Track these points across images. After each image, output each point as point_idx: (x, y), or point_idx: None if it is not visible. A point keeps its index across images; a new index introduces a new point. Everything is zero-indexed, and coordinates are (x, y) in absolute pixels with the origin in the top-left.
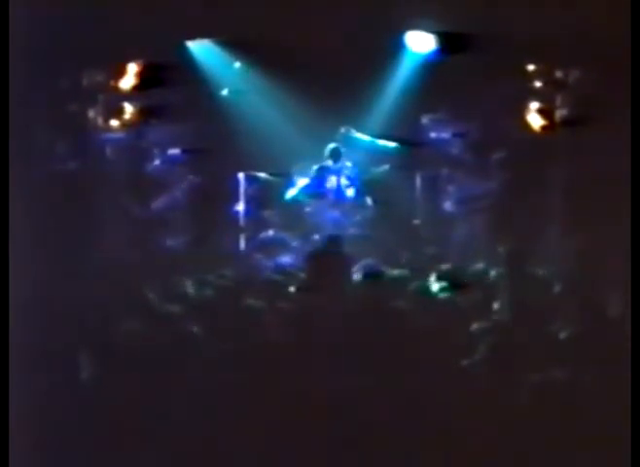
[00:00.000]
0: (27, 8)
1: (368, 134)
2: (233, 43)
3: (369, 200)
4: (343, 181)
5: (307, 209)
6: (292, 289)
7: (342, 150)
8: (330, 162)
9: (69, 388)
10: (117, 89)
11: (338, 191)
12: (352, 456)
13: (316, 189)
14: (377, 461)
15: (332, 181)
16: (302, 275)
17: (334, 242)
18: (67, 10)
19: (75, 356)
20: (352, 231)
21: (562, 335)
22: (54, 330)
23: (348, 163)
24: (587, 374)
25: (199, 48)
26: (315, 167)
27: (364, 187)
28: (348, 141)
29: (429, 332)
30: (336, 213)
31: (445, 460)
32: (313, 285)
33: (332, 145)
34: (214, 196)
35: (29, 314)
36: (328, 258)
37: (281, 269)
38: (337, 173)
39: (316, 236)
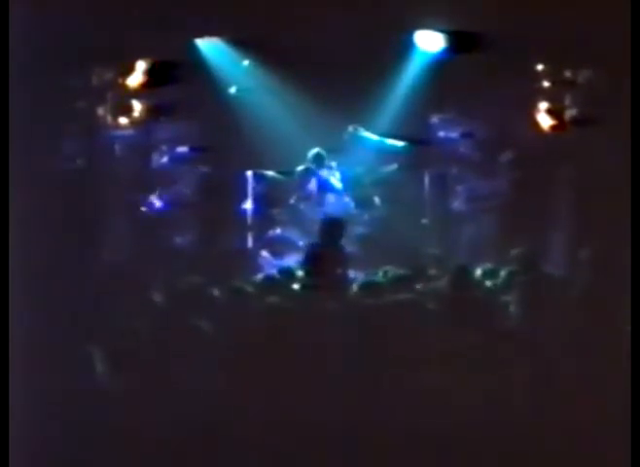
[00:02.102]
0: (36, 5)
1: (376, 133)
2: (243, 41)
3: (376, 199)
4: (332, 180)
5: (300, 208)
6: (296, 287)
7: (324, 154)
8: (314, 166)
9: (71, 389)
10: (125, 86)
11: (321, 191)
12: (352, 456)
13: (302, 190)
14: (376, 462)
15: (313, 182)
16: (306, 273)
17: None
18: (76, 7)
19: (78, 356)
20: (357, 229)
21: (568, 334)
22: (58, 330)
23: (333, 163)
24: (588, 375)
25: (208, 46)
26: (299, 169)
27: (349, 186)
28: (356, 140)
29: (433, 331)
30: (320, 212)
31: (446, 461)
32: (316, 283)
33: (314, 150)
34: (222, 193)
35: (31, 314)
36: (328, 256)
37: (288, 267)
38: (320, 174)
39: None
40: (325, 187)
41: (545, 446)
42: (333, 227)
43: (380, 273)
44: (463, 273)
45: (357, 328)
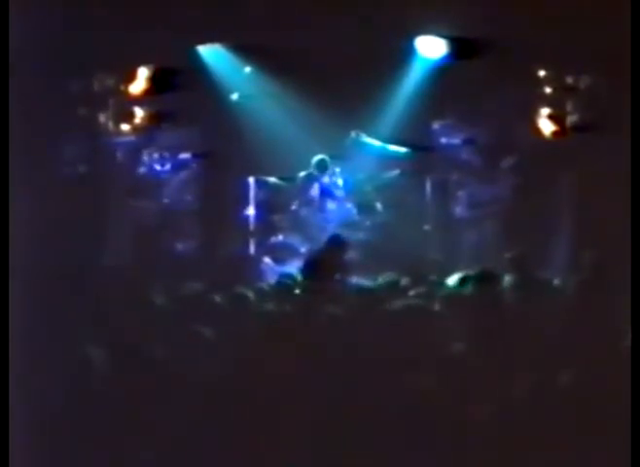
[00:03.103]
0: (39, 10)
1: (378, 139)
2: (244, 47)
3: (378, 205)
4: (334, 188)
5: (302, 215)
6: (298, 292)
7: (328, 161)
8: (317, 173)
9: (71, 391)
10: (127, 93)
11: (323, 197)
12: (352, 457)
13: (304, 196)
14: (377, 464)
15: (315, 188)
16: (308, 279)
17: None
18: (79, 13)
19: (78, 359)
20: (359, 235)
21: (568, 339)
22: (58, 334)
23: (337, 169)
24: (588, 378)
25: (210, 52)
26: (302, 175)
27: (352, 192)
28: (358, 146)
29: (432, 336)
30: (322, 218)
31: (445, 461)
32: (317, 289)
33: (318, 156)
34: (224, 200)
35: (31, 318)
36: (330, 262)
37: (290, 273)
38: (322, 180)
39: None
40: (327, 193)
41: (544, 447)
42: (336, 247)
43: (382, 279)
44: (473, 278)
45: (359, 334)
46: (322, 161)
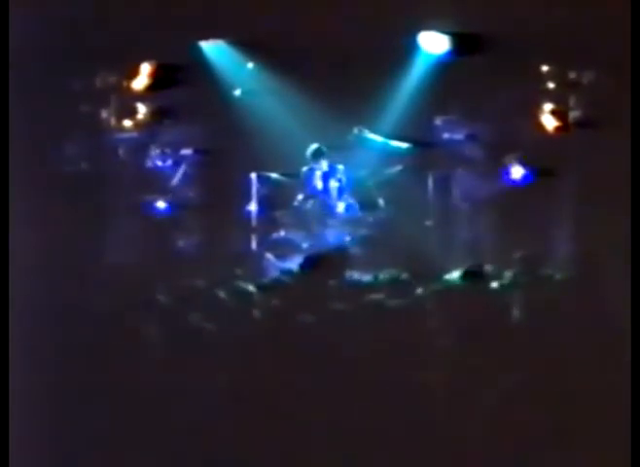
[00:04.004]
0: (40, 7)
1: (381, 135)
2: (246, 43)
3: (381, 201)
4: (333, 183)
5: (304, 210)
6: (300, 288)
7: (324, 150)
8: (315, 163)
9: (74, 391)
10: (130, 89)
11: (326, 191)
12: (352, 456)
13: (306, 192)
14: (378, 462)
15: (318, 182)
16: (310, 275)
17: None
18: (81, 10)
19: (82, 358)
20: (361, 231)
21: (570, 337)
22: (60, 332)
23: (340, 166)
24: (588, 375)
25: (212, 48)
26: (304, 170)
27: (353, 188)
28: (361, 142)
29: (436, 332)
30: (324, 214)
31: (445, 460)
32: (319, 285)
33: (314, 145)
34: (226, 196)
35: (33, 316)
36: (332, 258)
37: (291, 269)
38: (325, 175)
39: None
40: (329, 189)
41: (545, 445)
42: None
43: (382, 275)
44: (474, 274)
45: (359, 328)
46: (318, 149)
